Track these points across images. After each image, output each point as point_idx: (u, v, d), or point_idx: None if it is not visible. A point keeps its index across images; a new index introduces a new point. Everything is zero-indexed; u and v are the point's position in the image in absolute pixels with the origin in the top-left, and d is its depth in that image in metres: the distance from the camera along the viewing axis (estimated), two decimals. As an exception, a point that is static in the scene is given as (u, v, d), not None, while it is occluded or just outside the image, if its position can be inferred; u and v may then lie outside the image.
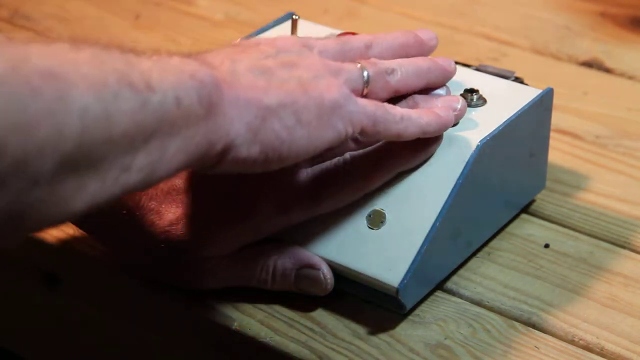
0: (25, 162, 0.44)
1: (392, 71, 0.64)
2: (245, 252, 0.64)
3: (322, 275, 0.63)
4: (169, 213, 0.64)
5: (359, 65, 0.63)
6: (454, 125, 0.65)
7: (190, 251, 0.63)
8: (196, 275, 0.64)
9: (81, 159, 0.46)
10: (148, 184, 0.51)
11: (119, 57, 0.50)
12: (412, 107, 0.65)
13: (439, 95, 0.67)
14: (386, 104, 0.62)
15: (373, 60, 0.64)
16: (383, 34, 0.68)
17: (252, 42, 0.62)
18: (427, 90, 0.67)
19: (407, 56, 0.67)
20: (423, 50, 0.68)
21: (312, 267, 0.63)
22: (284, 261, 0.64)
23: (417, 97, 0.66)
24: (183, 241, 0.63)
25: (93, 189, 0.47)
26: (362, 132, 0.60)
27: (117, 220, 0.64)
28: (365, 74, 0.62)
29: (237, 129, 0.55)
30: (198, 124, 0.52)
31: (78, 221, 0.67)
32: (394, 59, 0.66)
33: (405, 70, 0.65)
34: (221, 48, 0.60)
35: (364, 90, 0.62)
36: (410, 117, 0.62)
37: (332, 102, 0.58)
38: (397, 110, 0.62)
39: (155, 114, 0.50)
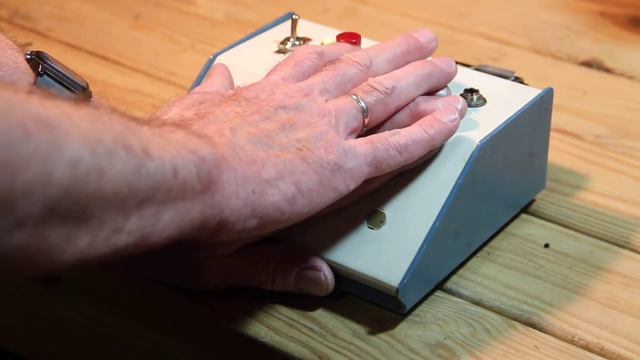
0: (11, 201, 0.44)
1: (392, 90, 0.64)
2: (246, 252, 0.64)
3: (322, 276, 0.63)
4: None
5: (355, 98, 0.63)
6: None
7: (190, 250, 0.63)
8: (196, 275, 0.64)
9: (70, 209, 0.46)
10: (138, 248, 0.51)
11: (119, 120, 0.50)
12: (413, 110, 0.65)
13: (440, 96, 0.67)
14: (387, 135, 0.62)
15: (371, 84, 0.64)
16: (382, 45, 0.68)
17: (252, 95, 0.62)
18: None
19: (409, 63, 0.67)
20: (424, 53, 0.69)
21: (312, 268, 0.63)
22: (284, 262, 0.64)
23: (418, 98, 0.66)
24: (183, 240, 0.63)
25: (83, 244, 0.47)
26: (367, 178, 0.61)
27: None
28: (363, 105, 0.62)
29: (233, 206, 0.55)
30: (195, 198, 0.53)
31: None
32: (395, 68, 0.66)
33: (405, 84, 0.65)
34: (221, 106, 0.60)
35: (365, 120, 0.63)
36: (415, 140, 0.62)
37: (331, 164, 0.59)
38: (400, 137, 0.62)
39: (150, 179, 0.50)
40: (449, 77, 0.67)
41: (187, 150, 0.53)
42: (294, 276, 0.64)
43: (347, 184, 0.60)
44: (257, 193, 0.56)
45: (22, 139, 0.44)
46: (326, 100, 0.62)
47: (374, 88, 0.63)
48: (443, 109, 0.64)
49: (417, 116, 0.65)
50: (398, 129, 0.63)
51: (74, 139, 0.46)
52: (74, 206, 0.46)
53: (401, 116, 0.65)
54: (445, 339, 0.62)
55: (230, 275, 0.64)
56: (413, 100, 0.65)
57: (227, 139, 0.57)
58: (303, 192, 0.58)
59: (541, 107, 0.69)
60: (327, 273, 0.63)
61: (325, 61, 0.66)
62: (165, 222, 0.51)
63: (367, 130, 0.63)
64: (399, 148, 0.62)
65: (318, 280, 0.63)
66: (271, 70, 0.65)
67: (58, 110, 0.47)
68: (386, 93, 0.63)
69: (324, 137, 0.60)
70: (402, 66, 0.67)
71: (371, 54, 0.66)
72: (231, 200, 0.55)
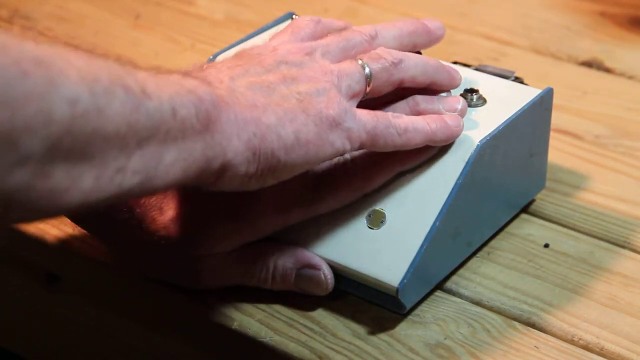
0: (13, 139, 0.44)
1: (399, 61, 0.64)
2: (246, 252, 0.64)
3: (322, 276, 0.63)
4: (169, 209, 0.64)
5: (360, 63, 0.63)
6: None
7: (189, 248, 0.63)
8: (196, 274, 0.65)
9: (72, 148, 0.46)
10: (144, 190, 0.51)
11: (115, 63, 0.51)
12: (412, 108, 0.65)
13: (440, 97, 0.66)
14: (390, 115, 0.62)
15: (379, 52, 0.64)
16: (389, 23, 0.68)
17: (254, 52, 0.62)
18: (429, 90, 0.67)
19: (414, 45, 0.68)
20: (430, 38, 0.69)
21: (312, 267, 0.63)
22: (284, 261, 0.64)
23: (418, 97, 0.66)
24: (183, 238, 0.63)
25: (87, 185, 0.48)
26: (361, 146, 0.61)
27: (118, 218, 0.64)
28: (367, 71, 0.62)
29: (235, 147, 0.55)
30: (195, 138, 0.53)
31: (79, 220, 0.67)
32: (400, 48, 0.66)
33: (413, 63, 0.65)
34: (222, 62, 0.60)
35: (367, 87, 0.62)
36: (416, 128, 0.62)
37: (330, 119, 0.59)
38: (402, 121, 0.62)
39: (149, 119, 0.50)
40: (453, 83, 0.67)
41: (185, 90, 0.53)
42: (293, 275, 0.64)
43: (343, 144, 0.60)
44: (258, 137, 0.56)
45: (19, 78, 0.44)
46: (329, 63, 0.62)
47: (381, 56, 0.63)
48: (450, 116, 0.64)
49: (416, 114, 0.65)
50: (402, 114, 0.63)
51: (70, 78, 0.46)
52: (75, 144, 0.46)
53: (400, 112, 0.65)
54: (445, 339, 0.62)
55: (229, 274, 0.64)
56: (417, 86, 0.65)
57: (226, 85, 0.57)
58: (301, 143, 0.58)
59: (541, 107, 0.69)
60: (326, 272, 0.63)
61: (323, 29, 0.66)
62: (167, 162, 0.51)
63: (367, 98, 0.63)
64: (399, 130, 0.62)
65: (318, 279, 0.63)
66: (270, 39, 0.66)
67: (54, 50, 0.47)
68: (393, 63, 0.63)
69: (326, 94, 0.60)
70: (407, 46, 0.67)
71: (378, 27, 0.67)
72: (232, 141, 0.55)
